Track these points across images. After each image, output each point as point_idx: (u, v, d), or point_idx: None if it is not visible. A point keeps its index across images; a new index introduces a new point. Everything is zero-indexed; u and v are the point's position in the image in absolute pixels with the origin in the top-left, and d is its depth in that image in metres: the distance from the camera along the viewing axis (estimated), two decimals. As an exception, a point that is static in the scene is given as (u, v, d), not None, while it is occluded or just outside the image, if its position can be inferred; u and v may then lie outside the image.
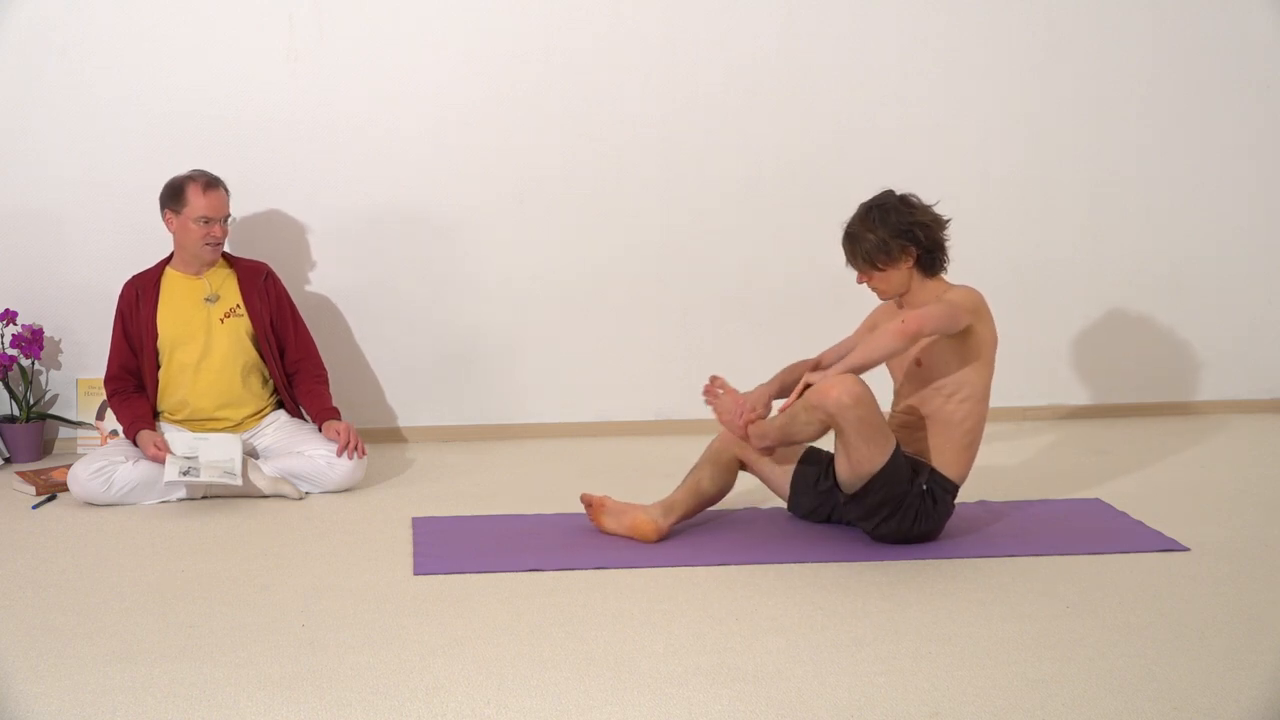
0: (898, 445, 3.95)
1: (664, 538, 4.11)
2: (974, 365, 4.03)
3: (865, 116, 5.58)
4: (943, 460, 4.04)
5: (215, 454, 4.59)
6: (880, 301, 4.23)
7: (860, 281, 4.11)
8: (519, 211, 5.49)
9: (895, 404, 4.20)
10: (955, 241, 5.64)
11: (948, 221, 4.08)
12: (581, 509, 4.40)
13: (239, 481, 4.51)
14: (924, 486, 3.99)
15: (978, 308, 4.02)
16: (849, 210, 5.52)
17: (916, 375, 4.08)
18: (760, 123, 5.53)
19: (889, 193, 4.09)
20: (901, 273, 4.04)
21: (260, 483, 4.61)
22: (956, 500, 4.40)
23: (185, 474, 4.48)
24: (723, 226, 5.60)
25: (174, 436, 4.68)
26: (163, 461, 4.54)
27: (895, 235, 4.00)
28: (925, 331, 3.92)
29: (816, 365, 4.25)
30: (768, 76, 5.52)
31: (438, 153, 5.42)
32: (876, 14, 5.53)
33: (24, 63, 5.19)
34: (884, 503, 3.95)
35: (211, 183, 4.76)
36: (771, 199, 5.58)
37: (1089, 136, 5.72)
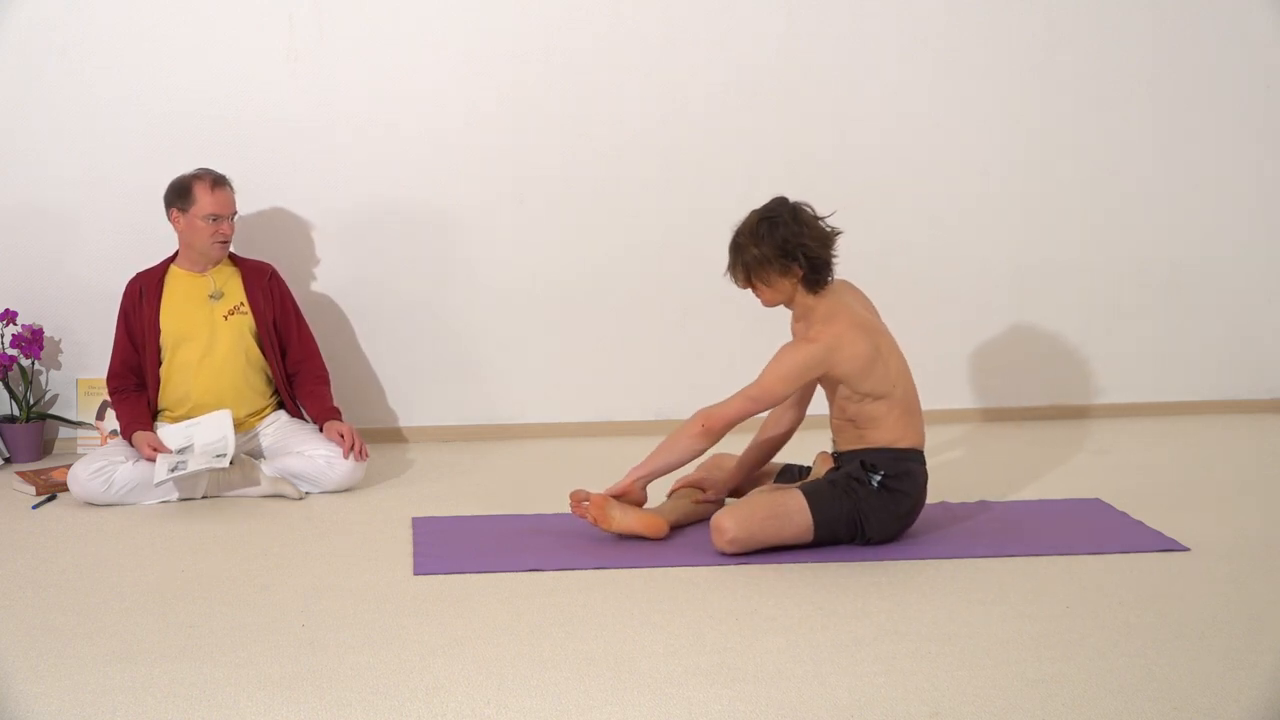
0: (809, 502, 3.91)
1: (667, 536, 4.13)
2: (861, 381, 3.95)
3: (865, 116, 5.58)
4: (890, 437, 4.00)
5: (208, 435, 4.59)
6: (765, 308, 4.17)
7: (742, 288, 4.06)
8: (519, 211, 5.49)
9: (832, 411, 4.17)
10: (956, 241, 5.70)
11: (837, 235, 4.00)
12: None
13: (226, 464, 4.49)
14: (877, 482, 3.97)
15: (821, 360, 3.92)
16: (849, 211, 5.49)
17: (826, 387, 4.07)
18: (760, 123, 5.53)
19: (782, 202, 4.01)
20: (785, 287, 4.00)
21: (260, 483, 4.61)
22: (958, 502, 4.41)
23: (173, 470, 4.47)
24: (722, 226, 5.55)
25: (167, 432, 4.67)
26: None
27: (780, 254, 3.94)
28: (729, 425, 3.97)
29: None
30: (768, 76, 5.52)
31: (438, 153, 5.42)
32: (876, 14, 5.53)
33: (24, 63, 5.19)
34: (851, 530, 3.97)
35: (218, 180, 4.77)
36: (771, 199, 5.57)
37: (1089, 136, 5.72)
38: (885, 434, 3.99)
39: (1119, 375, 5.87)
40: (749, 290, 4.07)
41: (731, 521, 3.91)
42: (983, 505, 4.47)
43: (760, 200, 5.53)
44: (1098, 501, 4.53)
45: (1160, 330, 5.86)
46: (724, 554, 3.93)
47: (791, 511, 3.93)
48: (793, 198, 4.06)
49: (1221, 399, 5.93)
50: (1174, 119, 5.75)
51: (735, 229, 4.04)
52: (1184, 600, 3.60)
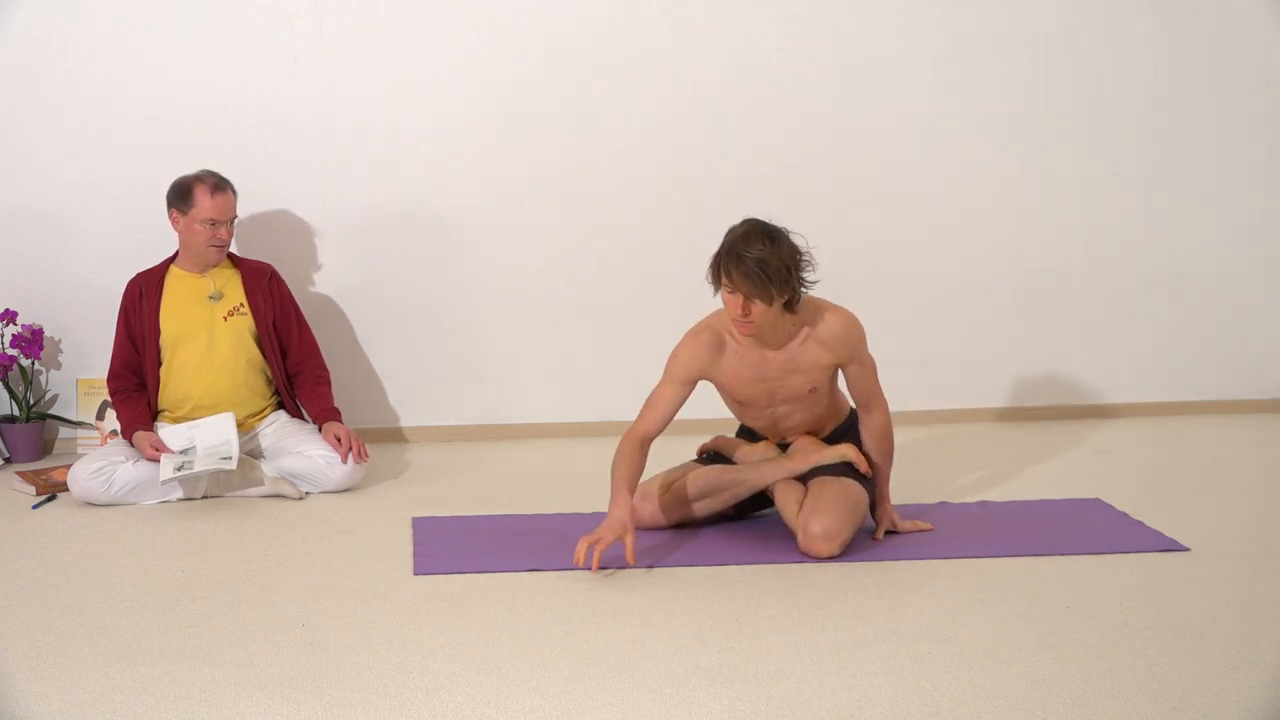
0: (869, 500, 4.08)
1: None
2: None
3: (865, 116, 5.58)
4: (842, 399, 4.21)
5: (211, 438, 4.59)
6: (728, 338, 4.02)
7: (741, 314, 3.79)
8: (519, 211, 5.49)
9: (783, 428, 4.18)
10: (956, 241, 5.70)
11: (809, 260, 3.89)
12: (580, 509, 4.42)
13: (234, 466, 4.50)
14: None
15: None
16: (849, 210, 5.57)
17: (809, 399, 4.06)
18: (761, 123, 5.53)
19: (760, 221, 3.86)
20: (774, 309, 3.83)
21: (262, 483, 4.61)
22: (958, 502, 4.41)
23: (179, 470, 4.47)
24: (723, 227, 5.55)
25: (169, 432, 4.67)
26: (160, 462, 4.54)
27: (794, 263, 3.80)
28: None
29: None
30: (768, 76, 5.52)
31: (438, 153, 5.42)
32: (877, 16, 5.53)
33: (23, 63, 5.19)
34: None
35: (219, 185, 4.76)
36: (771, 199, 5.54)
37: (1090, 136, 5.71)
38: (844, 400, 4.19)
39: (1119, 375, 5.87)
40: (742, 316, 3.79)
41: (833, 525, 3.89)
42: (983, 505, 4.47)
43: (761, 199, 5.55)
44: (1098, 501, 4.53)
45: (1160, 330, 5.86)
46: (822, 558, 3.90)
47: (861, 500, 4.02)
48: (786, 202, 4.07)
49: (1221, 399, 5.93)
50: (1175, 120, 5.75)
51: (737, 245, 3.77)
52: (1184, 600, 3.60)
